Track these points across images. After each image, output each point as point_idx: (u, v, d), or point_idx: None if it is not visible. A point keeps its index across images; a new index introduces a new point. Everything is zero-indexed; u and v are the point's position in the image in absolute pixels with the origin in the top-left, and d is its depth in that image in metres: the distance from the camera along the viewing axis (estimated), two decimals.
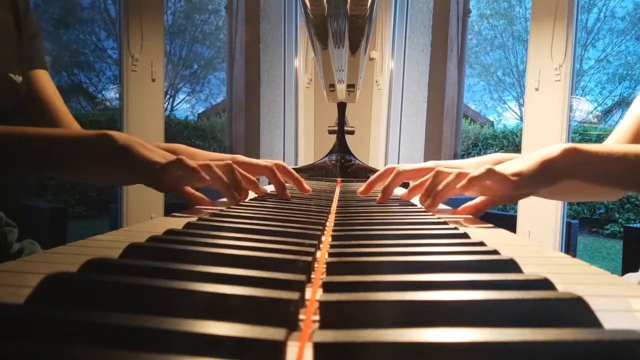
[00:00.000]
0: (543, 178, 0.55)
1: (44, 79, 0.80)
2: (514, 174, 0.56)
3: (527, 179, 0.56)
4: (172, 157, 0.57)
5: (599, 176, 0.55)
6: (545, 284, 0.24)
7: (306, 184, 0.78)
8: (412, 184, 0.74)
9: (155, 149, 0.58)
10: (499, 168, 0.58)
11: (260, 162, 0.73)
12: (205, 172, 0.57)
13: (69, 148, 0.54)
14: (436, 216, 0.55)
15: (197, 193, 0.67)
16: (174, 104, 6.37)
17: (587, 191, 0.74)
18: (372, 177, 0.78)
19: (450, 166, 0.67)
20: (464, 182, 0.59)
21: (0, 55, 0.71)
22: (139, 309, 0.20)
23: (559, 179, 0.56)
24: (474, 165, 0.68)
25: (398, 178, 0.71)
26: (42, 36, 0.82)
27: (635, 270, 0.75)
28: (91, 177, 0.66)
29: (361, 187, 0.79)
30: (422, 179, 0.69)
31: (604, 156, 0.54)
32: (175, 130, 5.15)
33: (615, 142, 0.78)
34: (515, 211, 2.36)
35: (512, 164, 0.59)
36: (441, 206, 0.73)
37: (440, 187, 0.62)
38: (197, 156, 0.72)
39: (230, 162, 0.64)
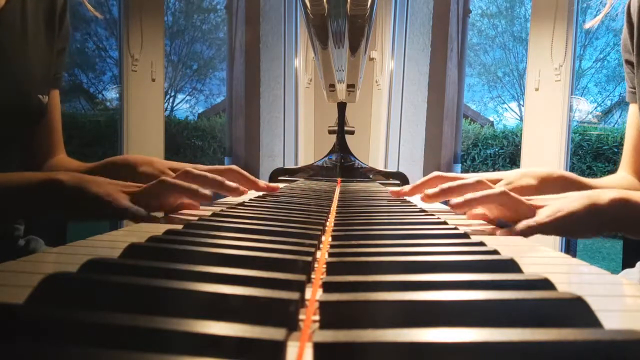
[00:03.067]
0: (590, 223, 0.50)
1: (56, 100, 0.78)
2: (555, 217, 0.50)
3: (569, 221, 0.50)
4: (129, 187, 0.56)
5: None
6: (545, 284, 0.24)
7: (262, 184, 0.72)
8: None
9: (106, 182, 0.55)
10: (539, 206, 0.52)
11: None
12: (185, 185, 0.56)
13: (17, 198, 0.52)
14: (436, 216, 0.55)
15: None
16: (174, 104, 6.37)
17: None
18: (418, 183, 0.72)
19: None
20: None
21: (31, 73, 0.68)
22: (139, 309, 0.20)
23: (601, 230, 0.51)
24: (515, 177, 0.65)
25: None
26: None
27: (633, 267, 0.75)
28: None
29: (404, 188, 0.73)
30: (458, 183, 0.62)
31: None
32: (175, 130, 5.15)
33: (629, 164, 0.77)
34: None
35: (551, 203, 0.52)
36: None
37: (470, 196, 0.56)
38: (154, 163, 0.70)
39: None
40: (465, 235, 0.40)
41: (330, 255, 0.31)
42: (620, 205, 0.49)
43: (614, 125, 5.86)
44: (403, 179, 1.32)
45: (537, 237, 0.51)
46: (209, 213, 0.51)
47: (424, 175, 0.75)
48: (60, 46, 0.76)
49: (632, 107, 0.79)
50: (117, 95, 2.37)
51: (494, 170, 4.96)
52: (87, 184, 0.52)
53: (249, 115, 2.65)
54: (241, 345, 0.17)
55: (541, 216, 0.51)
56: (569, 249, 2.18)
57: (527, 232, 0.50)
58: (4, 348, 0.15)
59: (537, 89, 2.22)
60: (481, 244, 0.35)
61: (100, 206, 0.52)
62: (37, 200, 0.52)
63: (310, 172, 1.35)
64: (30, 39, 0.68)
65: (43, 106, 0.71)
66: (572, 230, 0.52)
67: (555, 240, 2.14)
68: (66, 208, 0.53)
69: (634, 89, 0.77)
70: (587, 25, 0.91)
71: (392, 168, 2.20)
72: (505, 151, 5.31)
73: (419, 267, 0.28)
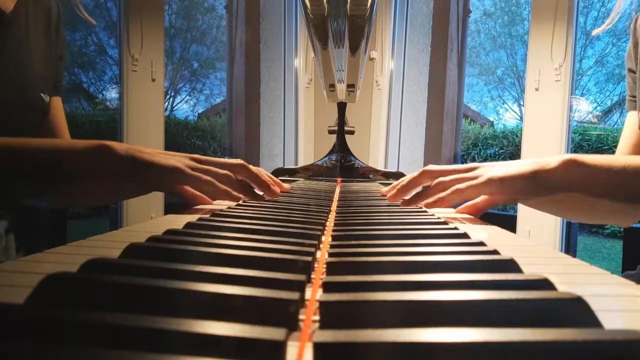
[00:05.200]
0: (533, 185, 0.55)
1: (59, 107, 0.81)
2: (500, 179, 0.57)
3: (516, 182, 0.56)
4: (174, 158, 0.58)
5: (598, 189, 0.55)
6: (545, 284, 0.24)
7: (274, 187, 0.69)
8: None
9: (155, 151, 0.57)
10: (487, 172, 0.59)
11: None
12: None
13: (68, 162, 0.52)
14: (436, 216, 0.55)
15: (198, 193, 0.68)
16: (174, 104, 6.37)
17: (592, 211, 0.72)
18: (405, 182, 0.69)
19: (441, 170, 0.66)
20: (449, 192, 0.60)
21: (34, 72, 0.71)
22: (139, 308, 0.20)
23: (555, 191, 0.55)
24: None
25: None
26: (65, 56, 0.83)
27: (634, 270, 0.75)
28: (98, 195, 0.65)
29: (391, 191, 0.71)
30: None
31: (603, 168, 0.53)
32: (175, 130, 5.15)
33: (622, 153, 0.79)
34: (515, 211, 2.35)
35: (503, 167, 0.59)
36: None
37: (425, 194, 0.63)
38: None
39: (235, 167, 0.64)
40: (465, 235, 0.40)
41: (330, 255, 0.31)
42: (571, 167, 0.54)
43: (613, 126, 5.86)
44: None
45: (537, 238, 0.52)
46: (209, 215, 0.51)
47: None
48: (58, 53, 0.79)
49: (631, 114, 0.81)
50: (117, 95, 2.37)
51: None
52: (139, 152, 0.54)
53: (249, 115, 2.65)
54: (241, 345, 0.17)
55: (485, 176, 0.57)
56: (569, 249, 2.18)
57: (471, 192, 0.58)
58: (4, 348, 0.15)
59: (537, 89, 2.22)
60: (481, 243, 0.35)
61: (157, 175, 0.54)
62: (87, 165, 0.52)
63: (310, 172, 1.35)
64: (33, 42, 0.72)
65: (45, 104, 0.73)
66: (516, 192, 0.57)
67: (555, 241, 2.14)
68: (117, 176, 0.54)
69: (633, 97, 0.79)
70: (595, 32, 0.93)
71: (392, 168, 2.20)
72: (505, 151, 5.31)
73: (419, 267, 0.28)
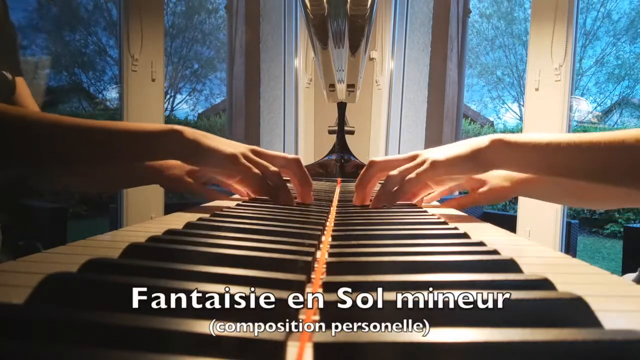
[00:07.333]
0: (473, 164, 0.59)
1: (23, 87, 0.82)
2: (444, 161, 0.59)
3: (458, 163, 0.59)
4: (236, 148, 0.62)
5: (522, 164, 0.59)
6: (545, 284, 0.24)
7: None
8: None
9: (217, 138, 0.62)
10: (431, 156, 0.61)
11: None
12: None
13: (143, 142, 0.59)
14: (436, 216, 0.55)
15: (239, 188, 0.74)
16: (174, 104, 6.37)
17: (603, 198, 0.71)
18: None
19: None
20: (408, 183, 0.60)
21: None
22: (139, 308, 0.20)
23: (488, 167, 0.60)
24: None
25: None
26: (20, 37, 0.86)
27: (635, 271, 0.75)
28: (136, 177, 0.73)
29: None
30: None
31: (527, 146, 0.57)
32: None
33: None
34: (515, 211, 2.35)
35: (444, 150, 0.62)
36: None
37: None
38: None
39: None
40: (465, 235, 0.40)
41: (330, 255, 0.31)
42: (498, 145, 0.58)
43: (613, 126, 5.85)
44: None
45: (537, 238, 0.52)
46: (208, 215, 0.51)
47: None
48: (12, 37, 0.82)
49: None
50: (117, 95, 2.37)
51: None
52: (202, 137, 0.59)
53: (249, 115, 2.65)
54: (241, 345, 0.17)
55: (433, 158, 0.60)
56: (569, 249, 2.18)
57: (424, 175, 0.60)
58: (4, 348, 0.15)
59: (537, 89, 2.22)
60: (481, 243, 0.35)
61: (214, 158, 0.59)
62: (159, 146, 0.59)
63: (310, 172, 1.35)
64: None
65: (9, 81, 0.75)
66: (459, 172, 0.61)
67: (555, 241, 2.14)
68: (181, 156, 0.60)
69: None
70: None
71: None
72: None
73: (419, 267, 0.28)
